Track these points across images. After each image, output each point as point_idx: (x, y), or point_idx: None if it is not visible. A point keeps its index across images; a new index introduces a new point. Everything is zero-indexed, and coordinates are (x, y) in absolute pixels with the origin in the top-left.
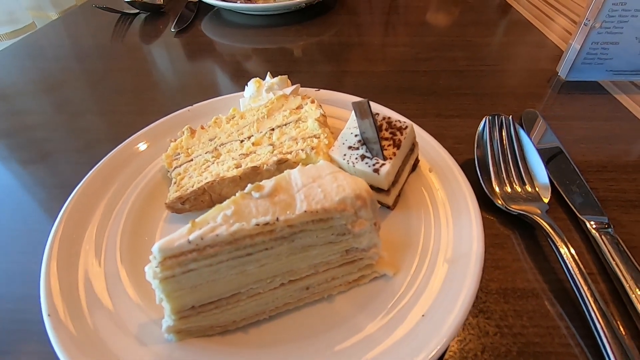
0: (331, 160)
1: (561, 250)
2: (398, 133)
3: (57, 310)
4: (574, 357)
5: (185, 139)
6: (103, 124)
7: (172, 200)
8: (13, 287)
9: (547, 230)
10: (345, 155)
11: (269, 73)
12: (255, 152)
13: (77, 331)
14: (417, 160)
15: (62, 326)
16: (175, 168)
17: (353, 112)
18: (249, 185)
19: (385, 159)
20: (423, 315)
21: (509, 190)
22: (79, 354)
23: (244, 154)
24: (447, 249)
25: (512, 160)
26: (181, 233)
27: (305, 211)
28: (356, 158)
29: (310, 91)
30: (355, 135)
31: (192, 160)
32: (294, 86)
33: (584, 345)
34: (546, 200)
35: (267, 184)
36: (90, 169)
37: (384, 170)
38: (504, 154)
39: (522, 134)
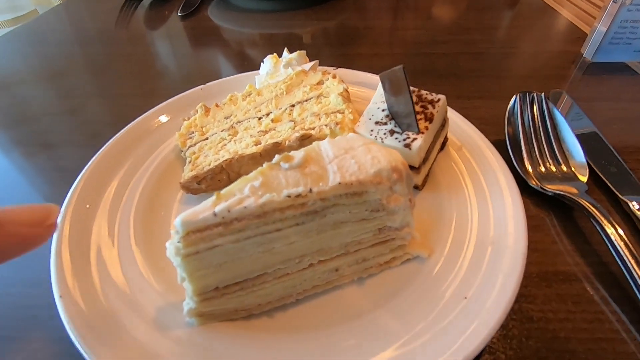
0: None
1: (608, 230)
2: (430, 106)
3: (70, 291)
4: (624, 344)
5: (200, 117)
6: (108, 112)
7: (188, 180)
8: (22, 273)
9: (591, 211)
10: (372, 130)
11: (286, 49)
12: (275, 129)
13: (90, 312)
14: (446, 139)
15: (75, 307)
16: (189, 147)
17: (380, 86)
18: (277, 156)
19: (419, 132)
20: (466, 298)
21: (543, 170)
22: (93, 336)
23: (263, 131)
24: (486, 229)
25: (545, 138)
26: (205, 205)
27: (340, 183)
28: (384, 133)
29: (328, 70)
30: (383, 110)
31: (207, 139)
32: (313, 62)
33: (634, 331)
34: (584, 180)
35: (297, 154)
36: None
37: (416, 145)
38: (537, 133)
39: (556, 111)
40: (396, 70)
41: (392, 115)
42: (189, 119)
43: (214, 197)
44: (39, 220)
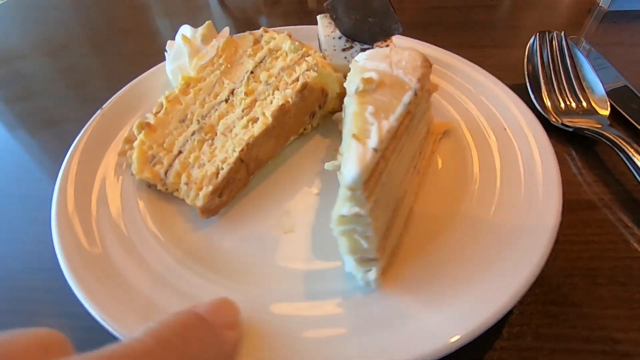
0: (335, 69)
1: (634, 158)
2: None
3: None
4: None
5: (146, 136)
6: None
7: (207, 200)
8: (28, 263)
9: (616, 142)
10: (345, 57)
11: (184, 27)
12: (259, 100)
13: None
14: None
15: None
16: (166, 172)
17: (322, 20)
18: (358, 85)
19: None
20: None
21: (563, 106)
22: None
23: (246, 108)
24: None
25: (564, 75)
26: (357, 151)
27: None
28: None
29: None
30: (340, 38)
31: (180, 152)
32: (224, 29)
33: None
34: (606, 114)
35: (369, 74)
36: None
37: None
38: (556, 70)
39: (575, 49)
40: None
41: (353, 37)
42: (128, 150)
43: (354, 142)
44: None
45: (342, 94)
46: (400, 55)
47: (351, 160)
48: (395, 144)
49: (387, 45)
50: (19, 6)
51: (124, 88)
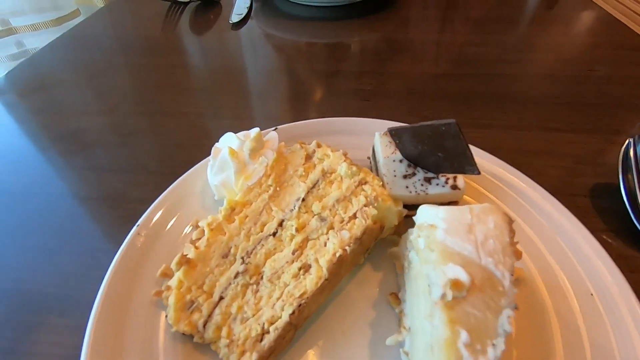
0: (395, 200)
1: None
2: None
3: None
4: None
5: (184, 274)
6: (144, 120)
7: None
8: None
9: None
10: (407, 187)
11: (228, 137)
12: (310, 238)
13: None
14: None
15: None
16: (205, 324)
17: (380, 139)
18: (445, 291)
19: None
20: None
21: None
22: None
23: (297, 250)
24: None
25: None
26: None
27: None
28: (422, 184)
29: (270, 133)
30: (401, 161)
31: (221, 298)
32: (271, 133)
33: None
34: None
35: (457, 272)
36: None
37: (461, 183)
38: None
39: None
40: (437, 125)
41: (417, 162)
42: (166, 290)
43: None
44: None
45: (400, 224)
46: (484, 224)
47: None
48: None
49: (455, 179)
50: (69, 41)
51: (160, 196)
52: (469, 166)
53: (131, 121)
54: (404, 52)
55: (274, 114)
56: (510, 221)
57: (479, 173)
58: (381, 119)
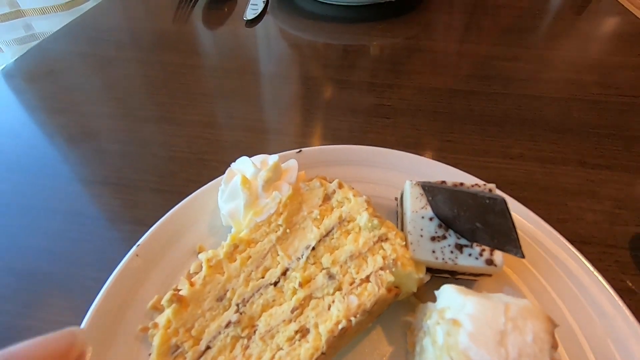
0: (417, 264)
1: None
2: None
3: None
4: None
5: (174, 313)
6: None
7: None
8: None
9: None
10: (434, 252)
11: (243, 161)
12: (313, 297)
13: None
14: None
15: None
16: None
17: (411, 188)
18: None
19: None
20: None
21: None
22: None
23: (297, 308)
24: None
25: None
26: None
27: None
28: (451, 252)
29: (289, 160)
30: (431, 219)
31: (208, 348)
32: (290, 161)
33: None
34: None
35: None
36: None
37: (499, 259)
38: None
39: None
40: (483, 199)
41: (449, 225)
42: (152, 327)
43: None
44: (61, 355)
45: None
46: (520, 334)
47: None
48: None
49: (492, 252)
50: (77, 29)
51: (165, 216)
52: (511, 247)
53: (134, 127)
54: (427, 64)
55: (289, 129)
56: (553, 328)
57: (522, 256)
58: (404, 139)
